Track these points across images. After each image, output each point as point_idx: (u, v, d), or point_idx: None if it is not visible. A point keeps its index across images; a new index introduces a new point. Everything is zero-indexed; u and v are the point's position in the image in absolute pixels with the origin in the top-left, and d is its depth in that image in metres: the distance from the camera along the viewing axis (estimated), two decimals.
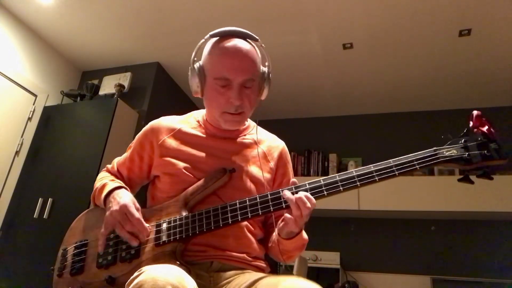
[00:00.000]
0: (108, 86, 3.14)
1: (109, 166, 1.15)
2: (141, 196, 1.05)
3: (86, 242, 0.96)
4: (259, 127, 1.13)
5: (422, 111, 3.71)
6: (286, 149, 1.14)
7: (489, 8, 2.38)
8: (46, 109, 3.03)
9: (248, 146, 1.06)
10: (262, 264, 0.99)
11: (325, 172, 3.63)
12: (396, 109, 3.75)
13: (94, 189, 1.05)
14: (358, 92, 3.54)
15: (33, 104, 3.01)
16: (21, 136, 2.91)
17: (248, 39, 0.99)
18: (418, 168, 0.83)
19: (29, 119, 2.97)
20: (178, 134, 1.04)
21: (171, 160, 0.99)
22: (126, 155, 1.12)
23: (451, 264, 3.08)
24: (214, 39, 0.99)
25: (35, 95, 3.04)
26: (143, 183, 1.12)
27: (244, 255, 0.94)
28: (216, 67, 0.95)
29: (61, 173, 2.67)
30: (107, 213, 0.92)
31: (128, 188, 1.04)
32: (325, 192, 0.84)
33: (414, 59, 2.97)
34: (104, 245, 0.91)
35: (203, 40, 1.00)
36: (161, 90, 3.35)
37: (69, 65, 3.43)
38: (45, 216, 2.54)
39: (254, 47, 0.99)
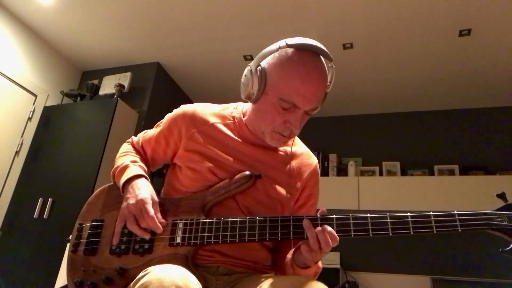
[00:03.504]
0: (108, 86, 3.14)
1: (134, 138, 1.12)
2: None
3: (102, 223, 0.96)
4: (297, 138, 1.06)
5: (422, 111, 3.71)
6: (318, 168, 1.07)
7: (489, 8, 2.38)
8: (46, 109, 3.03)
9: (279, 159, 0.99)
10: (267, 269, 0.99)
11: (325, 172, 3.63)
12: (396, 109, 3.75)
13: (115, 165, 1.02)
14: (358, 92, 3.54)
15: (33, 104, 3.02)
16: (21, 136, 2.91)
17: (324, 57, 0.88)
18: (459, 231, 0.75)
19: (29, 119, 2.97)
20: (210, 130, 0.98)
21: (197, 157, 0.95)
22: (153, 133, 1.07)
23: (451, 264, 3.09)
24: (289, 50, 0.87)
25: (35, 95, 3.04)
26: (165, 163, 1.10)
27: (251, 262, 0.94)
28: (286, 87, 0.84)
29: (61, 173, 2.67)
30: (124, 204, 0.91)
31: (148, 167, 1.03)
32: (352, 234, 0.78)
33: (414, 59, 2.97)
34: (119, 237, 0.90)
35: (277, 46, 0.88)
36: (161, 90, 3.35)
37: (69, 65, 3.43)
38: (45, 216, 2.54)
39: (326, 68, 0.89)
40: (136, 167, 0.98)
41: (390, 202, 3.07)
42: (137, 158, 1.04)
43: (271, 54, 0.89)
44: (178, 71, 3.45)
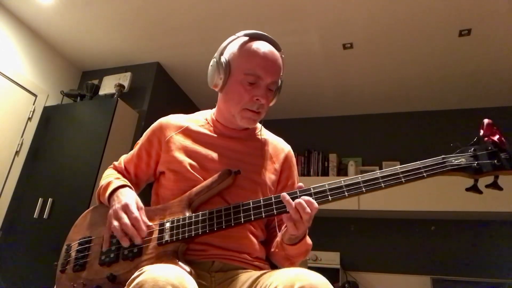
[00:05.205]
0: (108, 86, 3.14)
1: (115, 163, 1.15)
2: (145, 196, 1.05)
3: (90, 239, 0.97)
4: (265, 129, 1.14)
5: (422, 111, 3.71)
6: (292, 153, 1.14)
7: (489, 8, 2.38)
8: (46, 109, 3.03)
9: (254, 146, 1.07)
10: (262, 264, 0.99)
11: (325, 172, 3.63)
12: (396, 109, 3.75)
13: (99, 186, 1.06)
14: (358, 92, 3.54)
15: (33, 104, 3.01)
16: (21, 136, 2.91)
17: (274, 47, 1.03)
18: (425, 176, 0.82)
19: (29, 119, 2.97)
20: (186, 132, 1.05)
21: (177, 157, 0.99)
22: (133, 152, 1.12)
23: (451, 264, 3.08)
24: (245, 38, 1.01)
25: (35, 95, 3.04)
26: (149, 180, 1.12)
27: (245, 255, 0.94)
28: (249, 63, 0.97)
29: (61, 173, 2.67)
30: (110, 210, 0.93)
31: (133, 187, 1.04)
32: (330, 197, 0.84)
33: (414, 59, 2.97)
34: (109, 242, 0.91)
35: (235, 36, 1.02)
36: (161, 90, 3.35)
37: (69, 65, 3.43)
38: (45, 216, 2.54)
39: (279, 55, 1.03)
40: (119, 181, 1.02)
41: (390, 202, 3.07)
42: (120, 176, 1.07)
43: (231, 43, 1.03)
44: (178, 71, 3.45)
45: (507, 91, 3.28)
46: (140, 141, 1.11)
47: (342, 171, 3.62)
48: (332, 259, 3.10)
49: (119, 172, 1.12)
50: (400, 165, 0.83)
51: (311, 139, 3.88)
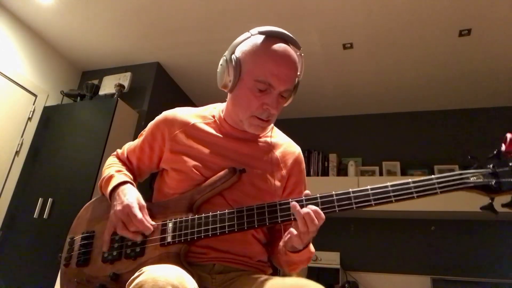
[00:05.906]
0: (108, 86, 3.14)
1: (119, 151, 1.13)
2: (145, 192, 1.04)
3: (93, 234, 0.96)
4: (276, 129, 1.09)
5: (422, 111, 3.71)
6: (302, 156, 1.08)
7: (489, 8, 2.38)
8: (46, 109, 3.03)
9: (261, 150, 1.01)
10: (264, 266, 0.99)
11: (325, 172, 3.63)
12: (396, 109, 3.75)
13: (101, 177, 1.04)
14: (358, 92, 3.54)
15: (33, 104, 3.01)
16: (21, 136, 2.91)
17: (292, 46, 0.94)
18: (439, 193, 0.77)
19: (29, 119, 2.97)
20: (191, 130, 1.00)
21: (181, 157, 0.97)
22: (137, 142, 1.09)
23: (451, 264, 3.08)
24: (261, 36, 0.93)
25: (35, 95, 3.04)
26: (152, 171, 1.10)
27: (247, 258, 0.94)
28: (261, 69, 0.89)
29: (61, 173, 2.67)
30: (111, 211, 0.92)
31: (135, 177, 1.02)
32: (337, 209, 0.80)
33: (414, 59, 2.97)
34: (109, 244, 0.91)
35: (249, 34, 0.93)
36: (161, 90, 3.35)
37: (69, 65, 3.42)
38: (45, 216, 2.54)
39: (295, 54, 0.95)
40: (121, 175, 1.00)
41: None
42: (123, 168, 1.05)
43: (243, 42, 0.94)
44: (178, 71, 3.45)
45: (507, 91, 3.28)
46: (144, 133, 1.08)
47: (342, 171, 3.62)
48: (332, 259, 3.10)
49: (121, 161, 1.10)
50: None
51: (311, 139, 3.88)
